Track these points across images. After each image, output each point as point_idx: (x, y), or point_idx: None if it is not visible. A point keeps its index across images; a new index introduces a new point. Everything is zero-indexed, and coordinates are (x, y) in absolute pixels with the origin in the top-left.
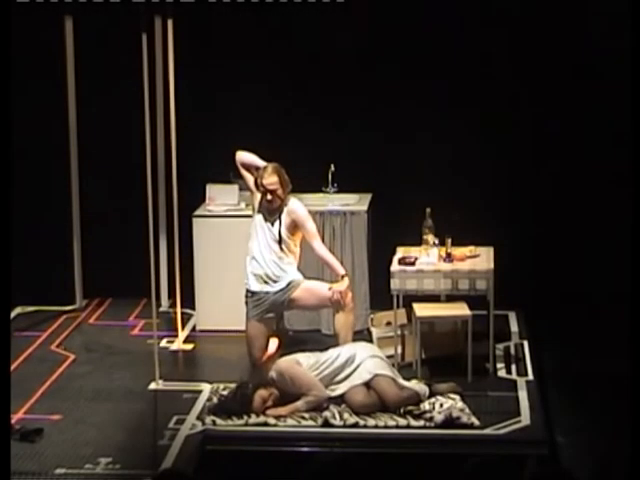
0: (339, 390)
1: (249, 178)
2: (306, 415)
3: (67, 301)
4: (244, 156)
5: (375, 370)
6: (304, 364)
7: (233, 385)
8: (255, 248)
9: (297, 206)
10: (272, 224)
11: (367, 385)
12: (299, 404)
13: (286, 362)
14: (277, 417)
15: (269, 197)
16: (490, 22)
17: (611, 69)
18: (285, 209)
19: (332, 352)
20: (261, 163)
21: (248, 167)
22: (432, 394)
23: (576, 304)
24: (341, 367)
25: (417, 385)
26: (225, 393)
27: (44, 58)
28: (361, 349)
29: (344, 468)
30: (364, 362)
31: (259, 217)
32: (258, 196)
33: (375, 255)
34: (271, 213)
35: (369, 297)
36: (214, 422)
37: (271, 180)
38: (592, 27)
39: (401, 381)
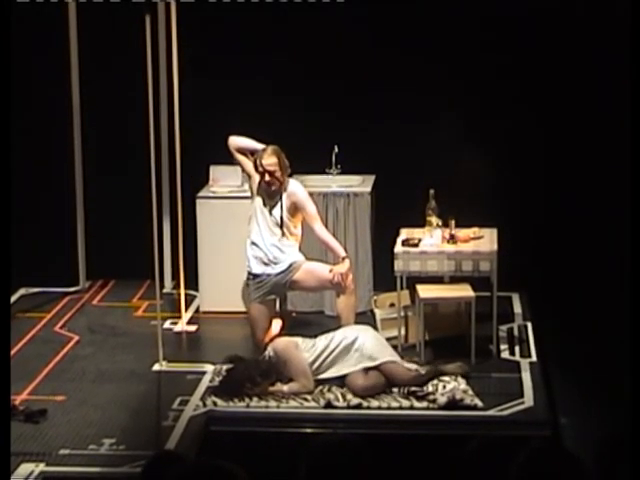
0: (331, 373)
1: (246, 162)
2: (308, 397)
3: (70, 282)
4: (239, 140)
5: (381, 357)
6: (302, 347)
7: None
8: (255, 231)
9: (297, 188)
10: (272, 207)
11: (365, 369)
12: (284, 388)
13: (284, 343)
14: (278, 398)
15: (268, 179)
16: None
17: (614, 53)
18: (285, 192)
19: (330, 335)
20: (259, 146)
21: (244, 151)
22: (439, 374)
23: (579, 286)
24: (338, 351)
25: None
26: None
27: (48, 39)
28: (360, 333)
29: (347, 449)
30: (364, 347)
31: (258, 200)
32: (257, 179)
33: (378, 236)
34: (271, 196)
35: (372, 278)
36: (215, 403)
37: (270, 161)
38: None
39: (403, 362)
